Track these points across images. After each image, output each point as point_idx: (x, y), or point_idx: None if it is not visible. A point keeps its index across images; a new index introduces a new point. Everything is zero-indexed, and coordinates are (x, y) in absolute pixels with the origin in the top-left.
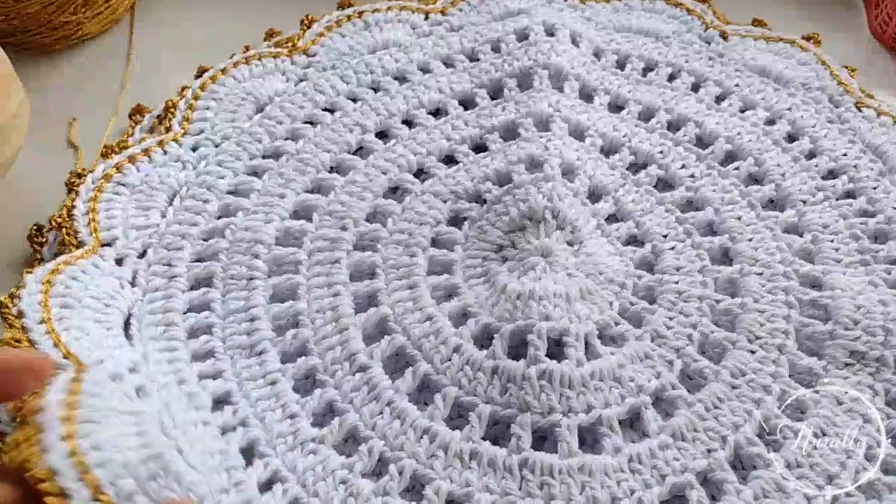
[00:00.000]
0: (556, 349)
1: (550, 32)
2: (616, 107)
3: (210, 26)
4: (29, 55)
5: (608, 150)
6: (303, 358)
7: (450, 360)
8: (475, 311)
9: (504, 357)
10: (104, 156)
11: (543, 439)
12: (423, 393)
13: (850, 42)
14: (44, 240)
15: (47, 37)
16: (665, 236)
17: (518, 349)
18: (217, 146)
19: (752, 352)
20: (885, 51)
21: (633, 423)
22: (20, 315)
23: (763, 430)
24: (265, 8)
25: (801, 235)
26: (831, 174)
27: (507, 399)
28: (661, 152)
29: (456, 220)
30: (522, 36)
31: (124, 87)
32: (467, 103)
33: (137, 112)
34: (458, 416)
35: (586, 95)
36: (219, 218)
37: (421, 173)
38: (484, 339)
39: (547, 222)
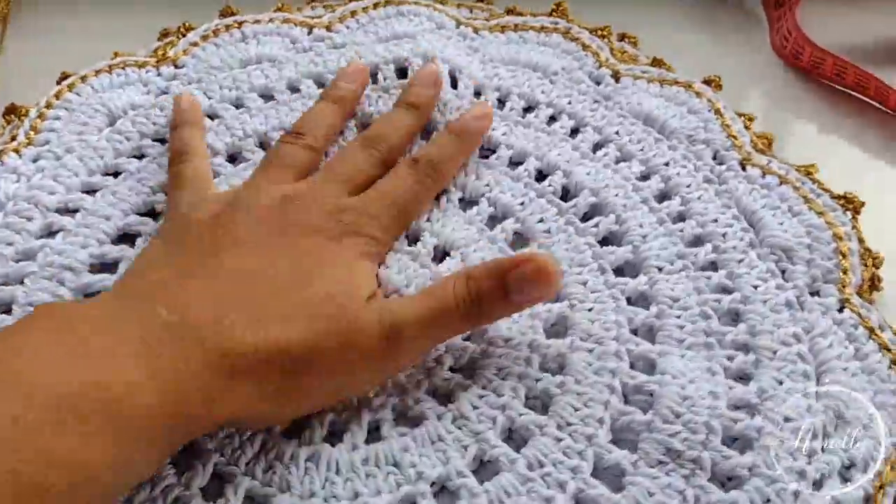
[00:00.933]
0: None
1: None
2: (487, 149)
3: (88, 35)
4: None
5: (468, 202)
6: None
7: (220, 427)
8: None
9: (279, 436)
10: None
11: None
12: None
13: (756, 60)
14: None
15: None
16: None
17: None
18: (59, 159)
19: (559, 440)
20: (785, 67)
21: None
22: None
23: None
24: (147, 16)
25: (647, 308)
26: (697, 241)
27: (270, 477)
28: (521, 203)
29: None
30: (400, 65)
31: None
32: None
33: (10, 112)
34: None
35: None
36: (39, 238)
37: None
38: None
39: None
